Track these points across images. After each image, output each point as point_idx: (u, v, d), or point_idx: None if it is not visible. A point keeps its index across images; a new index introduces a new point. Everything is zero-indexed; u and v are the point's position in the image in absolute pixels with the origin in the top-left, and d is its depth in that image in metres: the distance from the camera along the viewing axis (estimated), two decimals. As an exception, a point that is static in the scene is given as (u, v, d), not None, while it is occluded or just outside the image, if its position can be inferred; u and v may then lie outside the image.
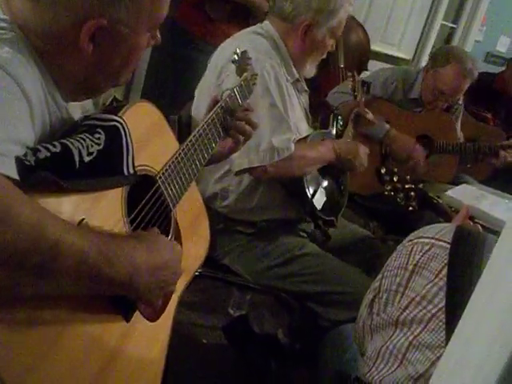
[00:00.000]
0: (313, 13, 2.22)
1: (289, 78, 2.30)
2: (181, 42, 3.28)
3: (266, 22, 2.35)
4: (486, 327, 0.69)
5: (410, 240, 1.33)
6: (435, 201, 2.24)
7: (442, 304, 1.17)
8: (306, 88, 2.47)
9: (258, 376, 2.51)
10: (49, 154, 1.03)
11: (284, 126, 2.16)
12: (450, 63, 3.26)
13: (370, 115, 2.70)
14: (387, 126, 3.21)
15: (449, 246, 1.23)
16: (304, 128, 2.37)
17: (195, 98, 2.33)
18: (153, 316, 1.30)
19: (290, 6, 2.24)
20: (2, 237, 0.86)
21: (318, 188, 2.32)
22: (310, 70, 2.39)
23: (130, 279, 1.07)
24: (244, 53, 1.77)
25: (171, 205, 1.36)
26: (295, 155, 2.17)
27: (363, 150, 2.46)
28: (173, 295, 1.38)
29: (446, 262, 1.22)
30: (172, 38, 3.22)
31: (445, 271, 1.21)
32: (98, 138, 1.14)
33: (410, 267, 1.26)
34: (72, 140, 1.09)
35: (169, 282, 1.21)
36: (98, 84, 1.28)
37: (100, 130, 1.16)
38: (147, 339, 1.28)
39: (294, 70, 2.33)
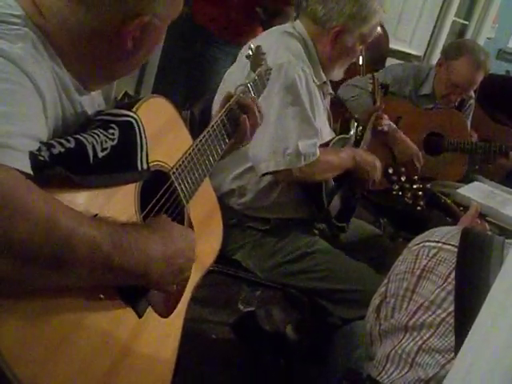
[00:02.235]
0: (345, 18, 2.20)
1: (316, 80, 2.29)
2: (197, 39, 3.26)
3: (298, 22, 2.32)
4: (499, 332, 0.69)
5: (416, 244, 1.31)
6: (443, 200, 2.23)
7: (451, 308, 1.16)
8: (331, 91, 2.47)
9: (267, 372, 2.51)
10: (63, 150, 1.03)
11: (311, 130, 2.16)
12: (463, 55, 3.24)
13: (386, 123, 2.70)
14: (393, 126, 3.20)
15: (456, 249, 1.22)
16: (326, 131, 2.38)
17: (218, 91, 2.31)
18: (165, 312, 1.30)
19: (322, 9, 2.21)
20: (17, 230, 0.86)
21: (334, 195, 2.34)
22: (338, 73, 2.39)
23: (144, 269, 1.08)
24: (258, 47, 1.77)
25: (184, 201, 1.36)
26: (320, 160, 2.18)
27: (380, 165, 2.48)
28: (184, 293, 1.38)
29: (453, 266, 1.20)
30: (187, 34, 3.20)
31: (453, 275, 1.19)
32: (112, 134, 1.14)
33: (417, 272, 1.25)
34: (86, 135, 1.09)
35: (184, 269, 1.22)
36: (118, 73, 1.29)
37: (114, 126, 1.16)
38: (159, 335, 1.28)
39: (321, 72, 2.32)
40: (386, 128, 2.74)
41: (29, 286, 0.93)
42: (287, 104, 2.10)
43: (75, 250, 0.93)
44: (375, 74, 3.20)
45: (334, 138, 2.38)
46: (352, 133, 2.56)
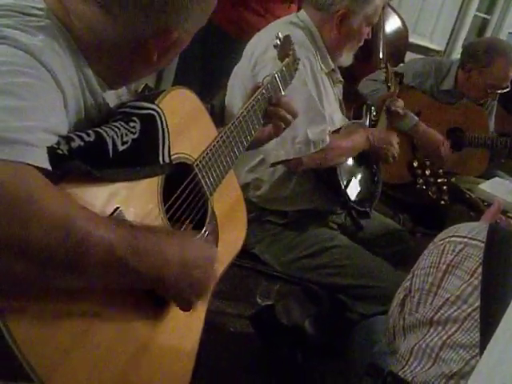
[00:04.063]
0: (348, 1, 2.20)
1: (324, 68, 2.29)
2: (214, 39, 3.24)
3: (302, 12, 2.33)
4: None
5: (442, 239, 1.31)
6: (467, 195, 2.22)
7: (477, 304, 1.16)
8: (341, 78, 2.46)
9: (284, 366, 2.51)
10: (82, 143, 1.03)
11: (319, 117, 2.15)
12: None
13: (401, 107, 2.67)
14: (416, 118, 3.19)
15: (483, 244, 1.21)
16: (338, 119, 2.37)
17: (228, 86, 2.32)
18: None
19: None
20: (32, 231, 0.86)
21: (351, 178, 2.32)
22: (347, 58, 2.37)
23: (158, 273, 1.07)
24: (287, 37, 1.75)
25: (208, 193, 1.35)
26: (330, 146, 2.16)
27: (396, 140, 2.46)
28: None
29: (480, 261, 1.20)
30: (205, 34, 3.18)
31: (479, 270, 1.19)
32: (133, 127, 1.13)
33: (443, 267, 1.25)
34: (106, 129, 1.09)
35: (202, 284, 1.19)
36: (139, 76, 1.30)
37: (135, 119, 1.15)
38: (180, 329, 1.28)
39: (329, 60, 2.32)
40: (401, 111, 2.70)
41: (43, 287, 0.93)
42: (294, 93, 2.08)
43: (90, 253, 0.93)
44: (394, 68, 3.18)
45: (344, 124, 2.36)
46: (367, 119, 2.54)
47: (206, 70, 3.35)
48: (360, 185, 2.38)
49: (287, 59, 1.73)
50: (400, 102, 2.67)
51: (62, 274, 0.92)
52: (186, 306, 1.22)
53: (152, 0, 1.12)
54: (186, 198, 1.28)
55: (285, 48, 1.74)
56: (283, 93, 1.67)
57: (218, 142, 1.37)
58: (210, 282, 1.22)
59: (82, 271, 0.94)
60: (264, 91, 1.57)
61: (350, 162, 2.35)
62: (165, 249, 1.09)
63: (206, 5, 1.23)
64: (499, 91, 3.35)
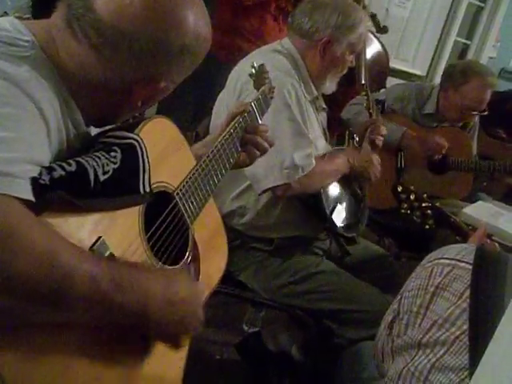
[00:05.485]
0: (332, 29, 2.22)
1: (307, 96, 2.30)
2: (203, 63, 3.25)
3: (286, 39, 2.34)
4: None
5: (430, 261, 1.30)
6: (452, 219, 2.22)
7: (466, 326, 1.15)
8: (324, 106, 2.47)
9: (272, 393, 2.49)
10: (64, 173, 1.03)
11: (305, 141, 2.16)
12: (472, 78, 3.26)
13: (383, 132, 2.69)
14: (404, 128, 3.22)
15: (471, 267, 1.21)
16: (322, 145, 2.37)
17: (213, 114, 2.33)
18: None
19: (308, 22, 2.24)
20: (13, 266, 0.85)
21: (336, 205, 2.32)
22: (330, 86, 2.38)
23: (142, 309, 1.06)
24: (261, 66, 1.76)
25: (189, 221, 1.35)
26: (316, 170, 2.17)
27: (376, 159, 2.48)
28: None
29: (468, 283, 1.20)
30: None
31: (467, 293, 1.18)
32: (114, 157, 1.13)
33: (431, 289, 1.24)
34: (87, 158, 1.09)
35: (188, 323, 1.19)
36: (122, 118, 1.32)
37: (116, 148, 1.15)
38: (165, 358, 1.26)
39: (312, 87, 2.33)
40: (380, 143, 2.72)
41: (26, 321, 0.92)
42: (279, 119, 2.10)
43: (74, 288, 0.92)
44: (376, 93, 3.20)
45: (328, 151, 2.37)
46: (347, 145, 2.55)
47: (194, 94, 3.36)
48: (346, 211, 2.39)
49: (263, 88, 1.73)
50: (382, 129, 2.69)
51: (46, 308, 0.92)
52: (173, 342, 1.22)
53: (144, 49, 1.13)
54: (167, 226, 1.28)
55: (260, 77, 1.75)
56: (260, 121, 1.67)
57: (197, 170, 1.37)
58: (198, 317, 1.21)
59: (66, 306, 0.93)
60: (241, 120, 1.57)
61: (335, 188, 2.36)
62: (148, 285, 1.08)
63: (195, 58, 1.25)
64: (475, 113, 3.37)
